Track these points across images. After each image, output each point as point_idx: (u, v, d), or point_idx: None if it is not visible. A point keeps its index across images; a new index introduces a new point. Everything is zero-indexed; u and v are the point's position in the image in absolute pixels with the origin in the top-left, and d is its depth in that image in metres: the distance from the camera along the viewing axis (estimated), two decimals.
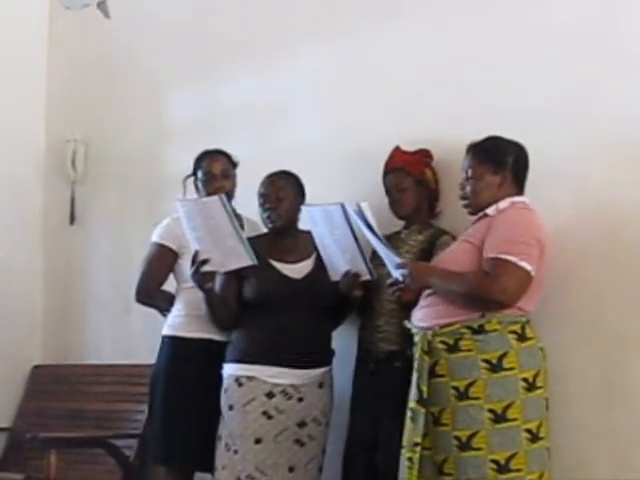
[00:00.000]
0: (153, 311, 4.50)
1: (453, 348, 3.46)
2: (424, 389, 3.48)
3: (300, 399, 3.98)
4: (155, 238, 4.35)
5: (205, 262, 3.90)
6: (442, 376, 3.48)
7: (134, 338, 5.35)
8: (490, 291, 3.42)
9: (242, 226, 4.13)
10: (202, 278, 3.93)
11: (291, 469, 3.97)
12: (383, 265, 3.79)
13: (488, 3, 4.14)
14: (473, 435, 3.40)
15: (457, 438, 3.42)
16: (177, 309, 4.28)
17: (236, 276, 4.01)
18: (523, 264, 3.41)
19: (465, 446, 3.40)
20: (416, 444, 3.48)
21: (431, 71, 4.27)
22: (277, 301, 4.00)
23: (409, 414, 3.52)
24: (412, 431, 3.50)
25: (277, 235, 4.13)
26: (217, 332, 4.14)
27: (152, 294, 4.37)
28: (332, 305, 4.05)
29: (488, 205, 3.62)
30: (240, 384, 3.97)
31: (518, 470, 3.39)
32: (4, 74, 5.78)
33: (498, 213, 3.57)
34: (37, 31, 6.04)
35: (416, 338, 3.58)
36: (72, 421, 5.32)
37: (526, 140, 3.68)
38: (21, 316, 5.81)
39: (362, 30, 4.54)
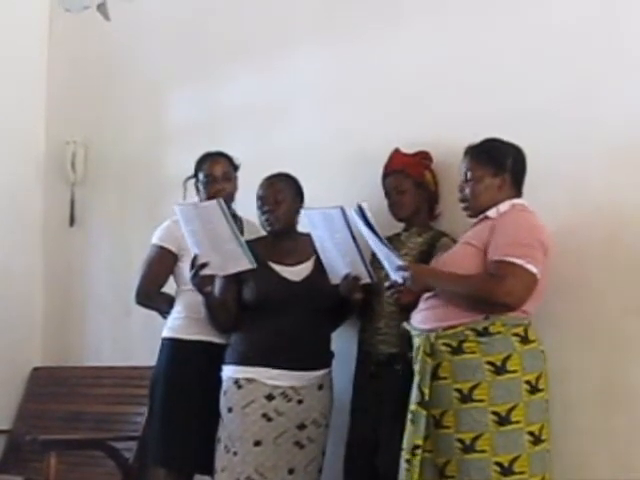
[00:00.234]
0: (153, 313, 4.50)
1: (457, 350, 3.45)
2: (426, 391, 3.47)
3: (300, 401, 3.98)
4: (155, 240, 4.36)
5: (204, 266, 3.89)
6: (445, 378, 3.47)
7: (134, 340, 5.35)
8: (496, 294, 3.41)
9: (241, 228, 4.13)
10: (201, 282, 3.93)
11: (291, 471, 3.97)
12: (382, 268, 3.77)
13: (488, 4, 4.13)
14: (477, 438, 3.39)
15: (460, 441, 3.41)
16: (177, 311, 4.28)
17: (235, 279, 4.00)
18: (529, 267, 3.41)
19: (469, 449, 3.39)
20: (416, 447, 3.47)
21: (431, 72, 4.27)
22: (276, 303, 4.00)
23: (409, 416, 3.51)
24: (412, 434, 3.49)
25: (276, 238, 4.13)
26: (217, 334, 4.14)
27: (152, 296, 4.37)
28: (331, 307, 4.05)
29: (488, 207, 3.61)
30: (239, 386, 3.97)
31: (521, 473, 3.39)
32: (4, 75, 5.78)
33: (499, 216, 3.57)
34: (37, 32, 6.04)
35: (416, 340, 3.57)
36: (72, 423, 5.32)
37: (526, 141, 3.67)
38: (21, 318, 5.82)
39: (362, 31, 4.54)
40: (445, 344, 3.47)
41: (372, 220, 3.66)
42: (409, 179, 4.11)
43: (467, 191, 3.67)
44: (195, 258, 3.90)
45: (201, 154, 4.40)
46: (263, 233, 4.21)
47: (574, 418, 3.71)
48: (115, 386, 5.31)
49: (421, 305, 3.62)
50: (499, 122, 3.89)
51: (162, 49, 5.47)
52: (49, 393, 5.63)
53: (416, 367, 3.53)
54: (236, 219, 4.11)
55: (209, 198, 4.18)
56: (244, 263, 3.88)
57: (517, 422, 3.39)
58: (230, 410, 3.96)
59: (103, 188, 5.75)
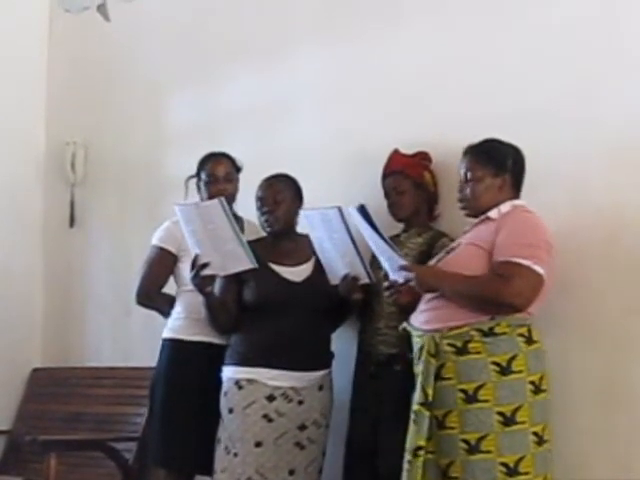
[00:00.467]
0: (153, 313, 4.50)
1: (461, 350, 3.44)
2: (429, 392, 3.46)
3: (300, 402, 3.98)
4: (155, 241, 4.36)
5: (205, 266, 3.89)
6: (448, 379, 3.45)
7: (134, 341, 5.35)
8: (504, 295, 3.40)
9: (242, 229, 4.13)
10: (202, 282, 3.93)
11: (291, 472, 3.96)
12: (381, 268, 3.77)
13: (487, 4, 4.13)
14: (482, 438, 3.38)
15: (465, 441, 3.40)
16: (177, 312, 4.28)
17: (236, 280, 4.00)
18: (536, 267, 3.41)
19: (474, 449, 3.39)
20: (419, 448, 3.46)
21: (430, 73, 4.27)
22: (277, 304, 4.00)
23: (412, 417, 3.50)
24: (415, 434, 3.48)
25: (276, 238, 4.13)
26: (217, 335, 4.14)
27: (152, 297, 4.37)
28: (332, 308, 4.04)
29: (488, 208, 3.61)
30: (240, 387, 3.96)
31: (527, 473, 3.38)
32: (4, 76, 5.78)
33: (502, 216, 3.56)
34: (37, 33, 6.04)
35: (418, 341, 3.56)
36: (71, 424, 5.31)
37: (526, 141, 3.67)
38: (21, 319, 5.81)
39: (362, 32, 4.54)
40: (450, 344, 3.46)
41: (374, 219, 3.65)
42: (408, 180, 4.11)
43: (467, 191, 3.66)
44: (196, 258, 3.90)
45: (205, 154, 4.40)
46: (264, 234, 4.22)
47: (575, 418, 3.70)
48: (115, 387, 5.31)
49: (422, 306, 3.61)
50: (499, 122, 3.89)
51: (162, 50, 5.47)
52: (49, 394, 5.63)
53: (419, 368, 3.52)
54: (237, 219, 4.11)
55: (210, 198, 4.19)
56: (245, 263, 3.88)
57: (522, 422, 3.39)
58: (231, 411, 3.96)
59: (103, 189, 5.74)
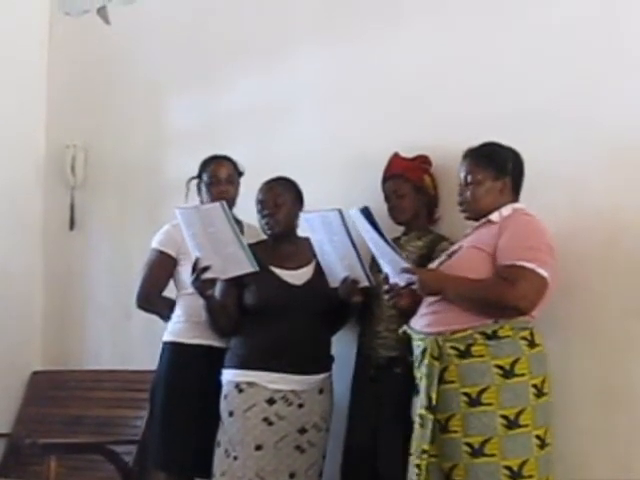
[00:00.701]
0: (153, 317, 4.50)
1: (464, 354, 3.44)
2: (433, 396, 3.45)
3: (300, 405, 3.97)
4: (155, 244, 4.36)
5: (206, 269, 3.88)
6: (451, 382, 3.45)
7: (133, 344, 5.34)
8: (509, 298, 3.40)
9: (242, 232, 4.12)
10: (203, 285, 3.92)
11: (292, 475, 3.96)
12: (381, 271, 3.77)
13: (487, 5, 4.13)
14: (486, 441, 3.38)
15: (468, 445, 3.40)
16: (177, 315, 4.28)
17: (236, 283, 4.00)
18: (540, 271, 3.41)
19: (477, 453, 3.38)
20: (424, 451, 3.46)
21: (430, 74, 4.27)
22: (278, 307, 3.99)
23: (418, 420, 3.49)
24: (420, 438, 3.47)
25: (276, 242, 4.13)
26: (217, 338, 4.13)
27: (152, 300, 4.37)
28: (332, 311, 4.04)
29: (489, 211, 3.61)
30: (240, 390, 3.96)
31: (530, 476, 3.38)
32: (4, 79, 5.77)
33: (503, 220, 3.56)
34: (37, 36, 6.03)
35: (418, 344, 3.56)
36: (71, 427, 5.31)
37: (525, 143, 3.67)
38: (21, 321, 5.81)
39: (362, 33, 4.54)
40: (453, 347, 3.45)
41: (377, 221, 3.65)
42: (408, 183, 4.11)
43: (467, 194, 3.66)
44: (197, 261, 3.89)
45: (207, 156, 4.40)
46: (264, 237, 4.21)
47: (575, 419, 3.71)
48: (115, 390, 5.31)
49: (424, 309, 3.61)
50: (499, 124, 3.90)
51: (162, 52, 5.47)
52: (49, 397, 5.62)
53: (421, 371, 3.51)
54: (237, 223, 4.11)
55: (212, 199, 4.19)
56: (246, 266, 3.87)
57: (526, 426, 3.39)
58: (231, 414, 3.96)
59: (103, 192, 5.74)
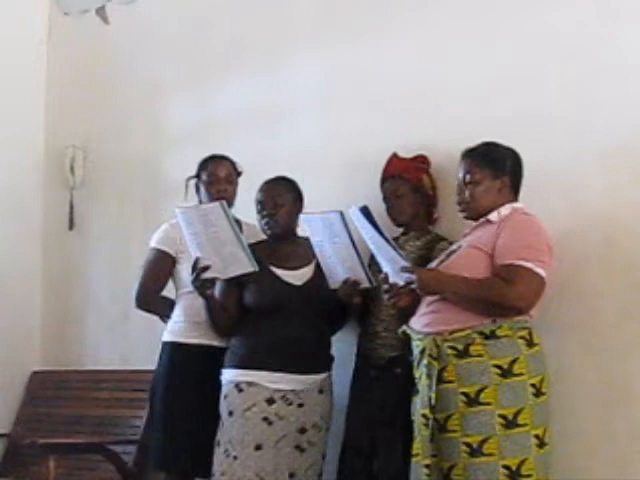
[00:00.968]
0: (151, 317, 4.50)
1: (463, 354, 3.44)
2: (432, 395, 3.45)
3: (300, 405, 3.97)
4: (153, 243, 4.35)
5: (206, 269, 3.88)
6: (450, 382, 3.45)
7: (133, 344, 5.35)
8: (507, 297, 3.41)
9: (241, 230, 4.11)
10: (203, 285, 3.92)
11: (291, 475, 3.95)
12: (380, 271, 3.77)
13: (485, 10, 4.13)
14: (484, 441, 3.38)
15: (467, 444, 3.40)
16: (177, 315, 4.27)
17: (236, 283, 3.99)
18: (538, 270, 3.42)
19: (476, 452, 3.38)
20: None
21: (428, 77, 4.27)
22: (277, 307, 3.99)
23: (423, 421, 3.49)
24: (427, 438, 3.47)
25: (276, 242, 4.13)
26: (217, 338, 4.13)
27: (151, 300, 4.35)
28: (332, 311, 4.04)
29: (487, 210, 3.62)
30: (240, 390, 3.96)
31: (529, 476, 3.38)
32: (3, 79, 5.78)
33: (502, 219, 3.57)
34: (36, 36, 6.04)
35: (417, 344, 3.56)
36: (71, 427, 5.32)
37: (523, 146, 3.67)
38: (20, 322, 5.82)
39: (360, 36, 4.54)
40: (451, 347, 3.46)
41: (377, 220, 3.65)
42: (407, 184, 4.11)
43: (466, 194, 3.66)
44: (197, 261, 3.89)
45: (205, 156, 4.40)
46: (263, 237, 4.21)
47: (573, 420, 3.70)
48: (114, 390, 5.31)
49: (423, 309, 3.61)
50: (497, 126, 3.90)
51: (161, 53, 5.47)
52: (48, 397, 5.64)
53: (421, 370, 3.52)
54: (236, 222, 4.10)
55: (211, 198, 4.19)
56: (246, 266, 3.87)
57: (524, 425, 3.39)
58: (231, 414, 3.95)
59: (102, 192, 5.75)
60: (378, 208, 4.08)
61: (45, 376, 5.76)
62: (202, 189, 4.35)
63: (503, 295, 3.41)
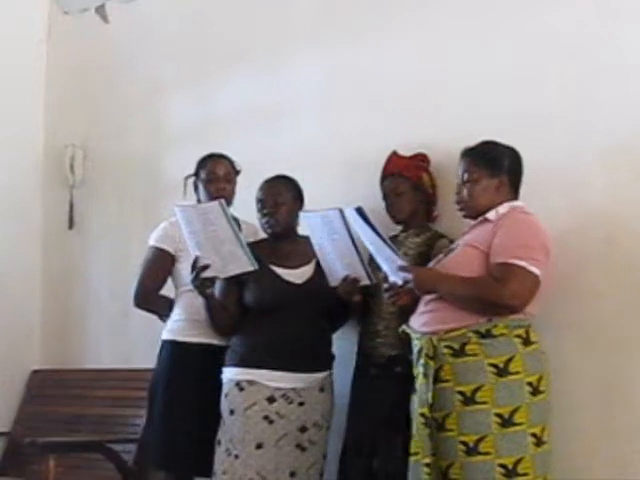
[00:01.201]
0: (152, 315, 4.49)
1: (459, 353, 3.45)
2: (429, 395, 3.46)
3: (301, 403, 3.97)
4: (152, 242, 4.34)
5: (205, 268, 3.88)
6: (447, 381, 3.46)
7: (133, 342, 5.35)
8: (501, 296, 3.41)
9: (240, 230, 4.11)
10: (203, 284, 3.91)
11: (292, 474, 3.95)
12: (380, 270, 3.78)
13: (486, 10, 4.13)
14: (480, 440, 3.39)
15: (464, 443, 3.41)
16: (176, 314, 4.27)
17: (236, 282, 3.99)
18: (532, 269, 3.42)
19: (472, 451, 3.39)
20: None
21: (429, 76, 4.27)
22: (278, 306, 3.99)
23: (422, 420, 3.50)
24: (426, 436, 3.48)
25: (276, 240, 4.13)
26: (217, 336, 4.13)
27: (150, 299, 4.35)
28: (333, 309, 4.04)
29: (486, 209, 3.62)
30: (241, 388, 3.96)
31: (525, 474, 3.38)
32: (3, 78, 5.78)
33: (499, 218, 3.57)
34: (36, 35, 6.04)
35: (416, 343, 3.57)
36: (71, 426, 5.32)
37: (523, 145, 3.67)
38: (20, 320, 5.82)
39: (360, 35, 4.55)
40: (447, 346, 3.46)
41: (372, 220, 3.66)
42: (407, 181, 4.11)
43: (464, 193, 3.67)
44: (196, 260, 3.89)
45: (204, 154, 4.40)
46: (261, 235, 4.22)
47: (573, 419, 3.71)
48: (114, 388, 5.31)
49: (421, 308, 3.62)
50: (497, 125, 3.91)
51: (161, 51, 5.47)
52: (48, 396, 5.64)
53: (419, 370, 3.53)
54: (234, 220, 4.10)
55: (210, 197, 4.19)
56: (245, 264, 3.87)
57: (520, 424, 3.39)
58: (232, 412, 3.95)
59: (102, 191, 5.75)
60: (377, 207, 4.10)
61: (45, 375, 5.76)
62: (201, 187, 4.35)
63: (497, 294, 3.42)
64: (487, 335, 3.44)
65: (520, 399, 3.41)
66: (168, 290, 4.38)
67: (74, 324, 5.77)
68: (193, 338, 4.18)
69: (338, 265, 3.88)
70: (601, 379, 3.72)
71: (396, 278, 3.66)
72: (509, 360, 3.42)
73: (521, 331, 3.47)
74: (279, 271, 4.05)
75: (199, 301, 4.02)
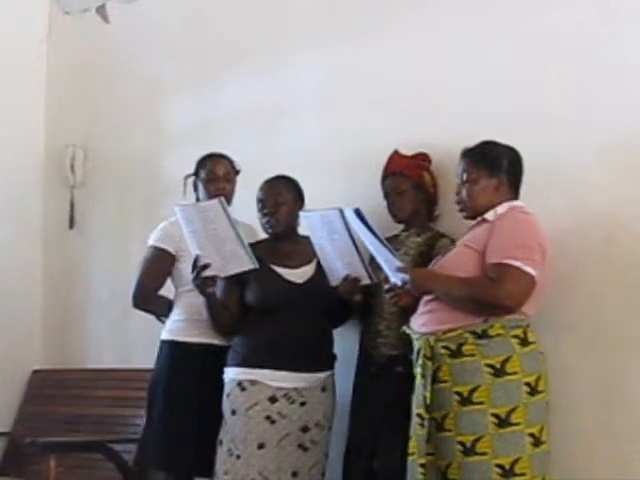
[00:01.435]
0: (150, 316, 4.49)
1: (456, 353, 3.45)
2: (427, 395, 3.46)
3: (303, 403, 3.97)
4: (151, 242, 4.33)
5: (206, 267, 3.88)
6: (444, 382, 3.46)
7: (133, 342, 5.35)
8: (495, 296, 3.41)
9: None
10: (203, 283, 3.91)
11: (294, 474, 3.95)
12: (381, 270, 3.78)
13: (486, 10, 4.14)
14: (477, 440, 3.39)
15: (461, 443, 3.41)
16: (176, 314, 4.27)
17: (237, 281, 3.99)
18: (528, 269, 3.41)
19: (469, 451, 3.39)
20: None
21: (430, 75, 4.28)
22: (279, 306, 3.99)
23: (418, 420, 3.50)
24: (422, 437, 3.48)
25: (277, 240, 4.13)
26: (217, 336, 4.13)
27: (149, 299, 4.34)
28: (334, 309, 4.04)
29: (485, 209, 3.62)
30: (243, 388, 3.96)
31: (523, 474, 3.38)
32: (3, 78, 5.78)
33: (497, 218, 3.57)
34: (36, 35, 6.04)
35: (416, 343, 3.57)
36: (71, 426, 5.32)
37: (523, 145, 3.67)
38: (21, 320, 5.82)
39: (360, 35, 4.55)
40: (444, 347, 3.47)
41: (371, 222, 3.66)
42: (408, 181, 4.11)
43: (464, 193, 3.67)
44: (197, 259, 3.89)
45: (203, 154, 4.40)
46: (259, 236, 4.22)
47: (573, 419, 3.71)
48: (114, 388, 5.31)
49: (421, 308, 3.62)
50: (497, 125, 3.91)
51: (161, 52, 5.48)
52: (49, 396, 5.64)
53: (418, 370, 3.53)
54: None
55: (210, 196, 4.18)
56: (246, 263, 3.87)
57: (517, 424, 3.39)
58: (234, 412, 3.95)
59: (102, 191, 5.75)
60: (378, 206, 4.10)
61: (45, 375, 5.76)
62: (200, 187, 4.35)
63: (492, 294, 3.41)
64: (483, 335, 3.44)
65: (517, 399, 3.41)
66: (167, 290, 4.38)
67: (75, 324, 5.77)
68: (193, 338, 4.18)
69: (338, 264, 3.88)
70: (601, 379, 3.71)
71: (396, 279, 3.67)
72: (506, 360, 3.42)
73: (518, 331, 3.47)
74: (280, 271, 4.05)
75: (199, 301, 4.01)
